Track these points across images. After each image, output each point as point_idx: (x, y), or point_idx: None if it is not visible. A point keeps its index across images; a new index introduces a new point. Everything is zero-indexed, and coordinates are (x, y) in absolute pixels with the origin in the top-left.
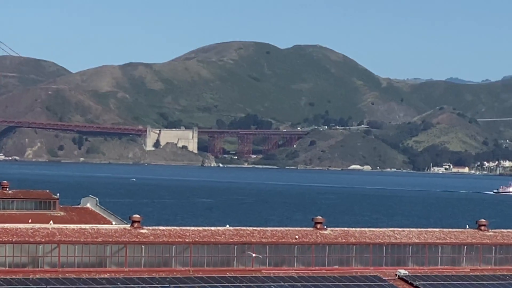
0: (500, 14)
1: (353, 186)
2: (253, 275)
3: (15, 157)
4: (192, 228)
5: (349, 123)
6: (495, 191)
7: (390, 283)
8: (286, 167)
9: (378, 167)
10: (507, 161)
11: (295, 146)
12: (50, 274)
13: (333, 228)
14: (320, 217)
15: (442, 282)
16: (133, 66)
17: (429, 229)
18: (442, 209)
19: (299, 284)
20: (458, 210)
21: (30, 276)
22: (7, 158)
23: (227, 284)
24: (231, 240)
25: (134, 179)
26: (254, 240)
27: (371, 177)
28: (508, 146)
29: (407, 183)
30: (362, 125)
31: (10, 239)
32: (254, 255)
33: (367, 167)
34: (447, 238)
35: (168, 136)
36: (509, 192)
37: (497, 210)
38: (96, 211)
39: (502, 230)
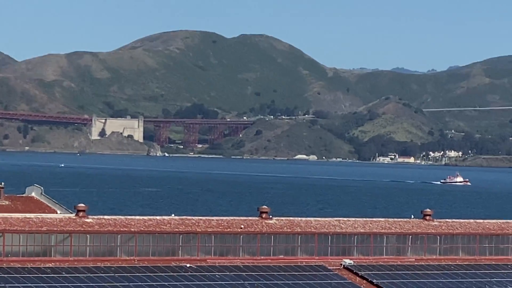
0: (445, 4)
1: (299, 176)
2: (198, 264)
3: None
4: (138, 217)
5: (295, 113)
6: (442, 181)
7: (335, 272)
8: (232, 157)
9: (324, 157)
10: (453, 151)
11: (241, 135)
12: None
13: (278, 218)
14: (265, 206)
15: (387, 272)
16: (78, 55)
17: (374, 219)
18: (388, 199)
19: (244, 273)
20: (404, 200)
21: None
22: None
23: (172, 274)
24: (177, 230)
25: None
26: (200, 230)
27: (317, 167)
28: (453, 136)
29: (353, 173)
30: (308, 115)
31: None
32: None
33: (313, 157)
34: (392, 228)
35: (114, 125)
36: (456, 182)
37: (443, 200)
38: (41, 200)
39: (447, 220)
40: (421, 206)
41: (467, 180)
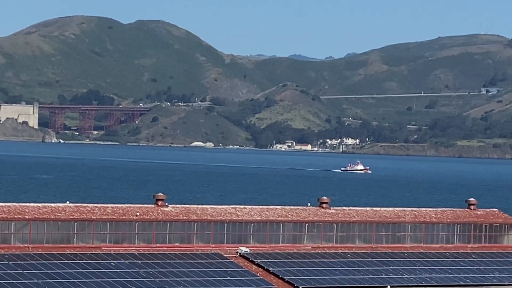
0: None
1: (195, 163)
2: (93, 252)
3: None
4: (32, 204)
5: (191, 100)
6: (342, 169)
7: (231, 260)
8: (128, 144)
9: (220, 144)
10: (350, 139)
11: (137, 122)
12: None
13: (174, 205)
14: (161, 194)
15: (284, 260)
16: None
17: (270, 207)
18: (286, 186)
19: (139, 261)
20: (303, 188)
21: None
22: None
23: (66, 261)
24: (71, 217)
25: None
26: (95, 217)
27: (214, 154)
28: (351, 123)
29: (251, 160)
30: (205, 102)
31: None
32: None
33: (210, 144)
34: (289, 216)
35: (9, 111)
36: (357, 170)
37: (342, 188)
38: None
39: (344, 208)
40: (319, 194)
41: (368, 168)
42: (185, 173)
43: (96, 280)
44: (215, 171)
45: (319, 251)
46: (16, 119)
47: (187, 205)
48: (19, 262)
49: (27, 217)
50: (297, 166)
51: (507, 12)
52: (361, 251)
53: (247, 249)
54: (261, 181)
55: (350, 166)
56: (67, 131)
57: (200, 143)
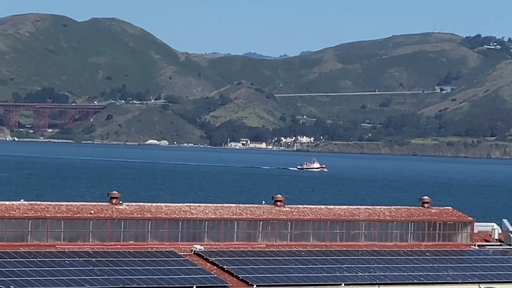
0: None
1: (150, 161)
2: (47, 250)
3: None
4: None
5: (146, 98)
6: (299, 167)
7: (186, 258)
8: (83, 142)
9: (175, 142)
10: (304, 137)
11: (91, 120)
12: None
13: (129, 203)
14: (116, 192)
15: (238, 258)
16: None
17: (225, 205)
18: (241, 184)
19: (93, 259)
20: (259, 186)
21: None
22: None
23: (20, 260)
24: (26, 215)
25: None
26: (49, 215)
27: (169, 152)
28: (305, 121)
29: (207, 158)
30: (160, 100)
31: None
32: None
33: (164, 142)
34: (243, 214)
35: None
36: (313, 168)
37: (297, 186)
38: None
39: (298, 206)
40: (274, 192)
41: (324, 166)
42: (140, 171)
43: (50, 278)
44: (170, 169)
45: (274, 249)
46: None
47: (141, 203)
48: None
49: None
50: (253, 164)
51: (461, 11)
52: (315, 249)
53: (202, 247)
54: (216, 179)
55: (306, 164)
56: (21, 129)
57: (155, 141)
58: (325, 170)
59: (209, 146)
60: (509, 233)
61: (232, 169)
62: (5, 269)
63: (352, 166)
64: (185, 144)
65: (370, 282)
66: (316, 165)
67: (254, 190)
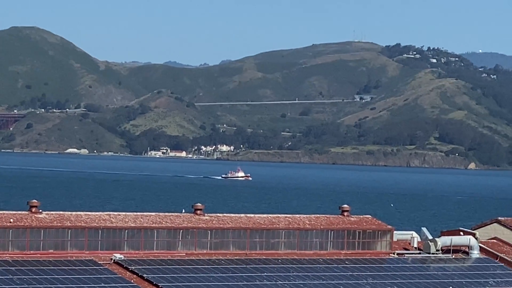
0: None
1: (70, 170)
2: None
3: None
4: None
5: (66, 106)
6: (223, 176)
7: (106, 267)
8: (2, 150)
9: (95, 151)
10: (224, 146)
11: (11, 129)
12: None
13: (48, 212)
14: (35, 200)
15: (158, 266)
16: None
17: (145, 213)
18: (166, 193)
19: (13, 268)
20: (182, 195)
21: None
22: None
23: None
24: None
25: None
26: None
27: (89, 161)
28: (225, 130)
29: (127, 167)
30: (80, 109)
31: None
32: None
33: (84, 151)
34: (163, 222)
35: None
36: (238, 177)
37: (220, 195)
38: None
39: (218, 214)
40: (199, 201)
41: (249, 175)
42: (60, 180)
43: None
44: (90, 178)
45: (193, 258)
46: None
47: (61, 212)
48: None
49: None
50: (177, 173)
51: (381, 20)
52: (235, 257)
53: (121, 256)
54: (137, 188)
55: (231, 173)
56: None
57: (75, 150)
58: (250, 179)
59: (129, 155)
60: (428, 242)
61: (154, 177)
62: None
63: (277, 175)
64: (105, 153)
65: None
66: (241, 174)
67: (176, 199)
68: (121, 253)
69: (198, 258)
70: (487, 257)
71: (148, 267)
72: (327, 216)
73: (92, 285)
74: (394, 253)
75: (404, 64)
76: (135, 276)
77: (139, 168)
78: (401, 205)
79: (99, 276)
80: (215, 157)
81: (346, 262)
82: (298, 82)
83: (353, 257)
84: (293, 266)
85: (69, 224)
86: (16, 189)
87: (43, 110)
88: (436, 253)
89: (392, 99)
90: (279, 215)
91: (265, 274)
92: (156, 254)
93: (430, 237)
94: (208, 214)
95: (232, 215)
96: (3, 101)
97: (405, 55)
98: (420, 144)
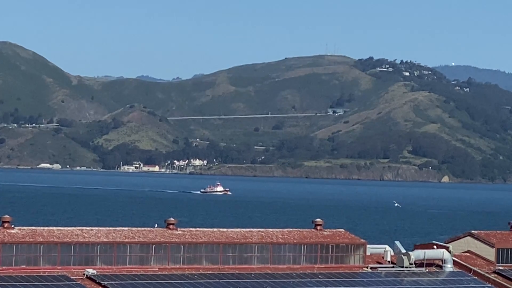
0: (189, 13)
1: (42, 185)
2: None
3: None
4: None
5: (39, 121)
6: (202, 190)
7: (78, 282)
8: None
9: (68, 166)
10: (197, 160)
11: None
12: None
13: (21, 227)
14: (7, 216)
15: (131, 282)
16: None
17: (117, 228)
18: (140, 208)
19: None
20: (155, 210)
21: None
22: None
23: None
24: None
25: None
26: None
27: (61, 176)
28: (198, 144)
29: (100, 182)
30: (52, 123)
31: None
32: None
33: (57, 166)
34: (136, 237)
35: None
36: (216, 191)
37: (196, 210)
38: None
39: (191, 229)
40: (171, 215)
41: (228, 189)
42: (32, 195)
43: None
44: (62, 193)
45: (167, 273)
46: None
47: (33, 227)
48: None
49: None
50: (158, 188)
51: (353, 34)
52: (208, 272)
53: (94, 271)
54: (110, 202)
55: (210, 187)
56: None
57: (48, 165)
58: (229, 193)
59: (102, 170)
60: (402, 255)
61: (127, 192)
62: None
63: (257, 189)
64: (78, 168)
65: None
66: (220, 188)
67: (149, 214)
68: (93, 268)
69: (171, 273)
70: (460, 270)
71: (121, 282)
72: (300, 230)
73: None
74: (367, 267)
75: (377, 78)
76: None
77: (112, 183)
78: (374, 218)
79: None
80: (188, 171)
81: (320, 276)
82: (271, 96)
83: (327, 271)
84: (267, 280)
85: (41, 240)
86: None
87: (15, 125)
88: (410, 267)
89: (365, 112)
90: (252, 229)
91: None
92: (129, 269)
93: (404, 251)
94: (181, 229)
95: (205, 229)
96: None
97: (378, 69)
98: (393, 158)
